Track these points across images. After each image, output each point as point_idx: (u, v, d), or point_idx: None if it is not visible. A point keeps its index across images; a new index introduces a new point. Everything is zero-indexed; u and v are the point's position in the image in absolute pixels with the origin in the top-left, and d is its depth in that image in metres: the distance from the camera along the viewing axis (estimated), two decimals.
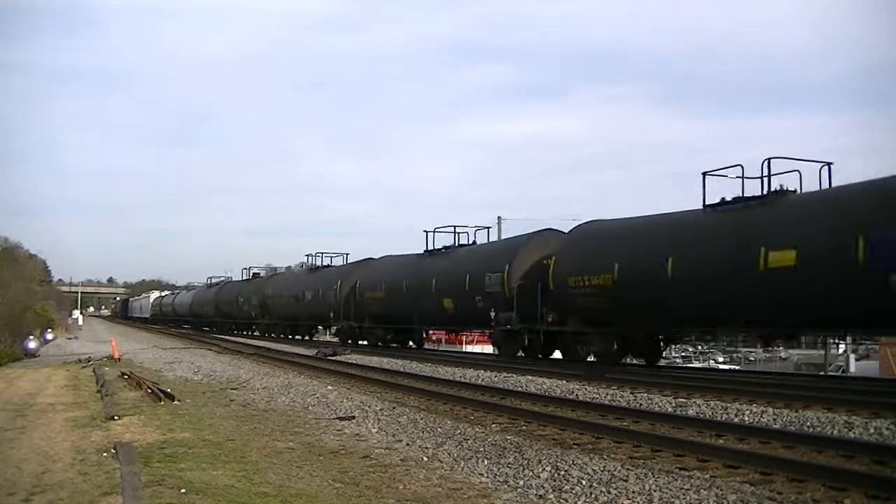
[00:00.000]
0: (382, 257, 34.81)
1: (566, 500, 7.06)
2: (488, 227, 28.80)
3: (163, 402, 14.37)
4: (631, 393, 14.19)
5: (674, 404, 12.57)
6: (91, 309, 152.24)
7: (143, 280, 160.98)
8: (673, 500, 6.83)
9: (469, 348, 38.35)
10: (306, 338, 42.34)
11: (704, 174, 17.99)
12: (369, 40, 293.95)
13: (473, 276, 25.17)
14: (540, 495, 7.26)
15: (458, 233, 28.89)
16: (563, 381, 16.27)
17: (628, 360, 22.02)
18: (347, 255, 40.15)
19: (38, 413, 13.73)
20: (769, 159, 16.70)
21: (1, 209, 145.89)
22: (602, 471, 7.93)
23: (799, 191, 16.68)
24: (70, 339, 53.18)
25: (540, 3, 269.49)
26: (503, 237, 33.64)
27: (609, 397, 13.86)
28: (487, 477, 8.02)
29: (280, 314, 44.63)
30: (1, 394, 17.81)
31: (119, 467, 8.19)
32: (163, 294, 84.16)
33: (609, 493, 7.14)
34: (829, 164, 16.49)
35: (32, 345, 36.70)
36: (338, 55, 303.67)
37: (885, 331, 15.80)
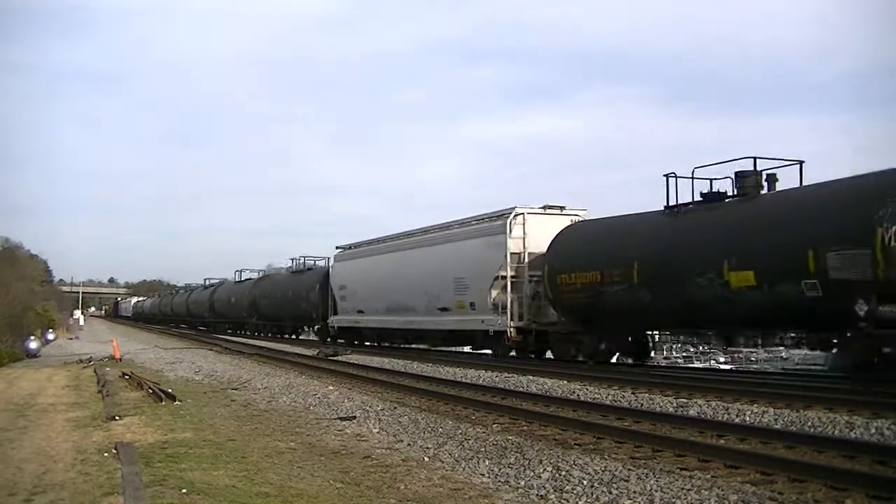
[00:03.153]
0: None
1: (567, 501, 7.06)
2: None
3: (164, 403, 14.37)
4: (632, 393, 14.18)
5: (675, 404, 12.56)
6: (93, 309, 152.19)
7: (145, 280, 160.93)
8: (674, 500, 6.83)
9: (469, 348, 38.25)
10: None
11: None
12: (369, 41, 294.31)
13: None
14: (541, 495, 7.26)
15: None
16: (565, 382, 16.24)
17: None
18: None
19: (39, 413, 13.74)
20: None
21: (1, 209, 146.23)
22: (603, 471, 7.93)
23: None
24: (71, 339, 53.23)
25: (540, 4, 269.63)
26: None
27: (610, 398, 13.85)
28: (489, 477, 8.01)
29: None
30: (2, 394, 17.83)
31: (120, 467, 8.19)
32: (140, 299, 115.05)
33: (610, 493, 7.14)
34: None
35: (33, 345, 36.75)
36: (338, 55, 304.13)
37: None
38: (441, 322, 25.92)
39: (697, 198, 17.53)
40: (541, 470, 8.14)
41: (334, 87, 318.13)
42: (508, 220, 22.65)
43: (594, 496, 7.09)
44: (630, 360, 21.26)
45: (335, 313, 33.57)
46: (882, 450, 8.44)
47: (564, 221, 22.57)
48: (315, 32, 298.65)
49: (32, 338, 38.62)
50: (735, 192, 16.89)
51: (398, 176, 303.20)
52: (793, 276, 14.58)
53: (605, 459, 8.58)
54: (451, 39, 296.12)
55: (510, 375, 17.88)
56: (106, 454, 9.17)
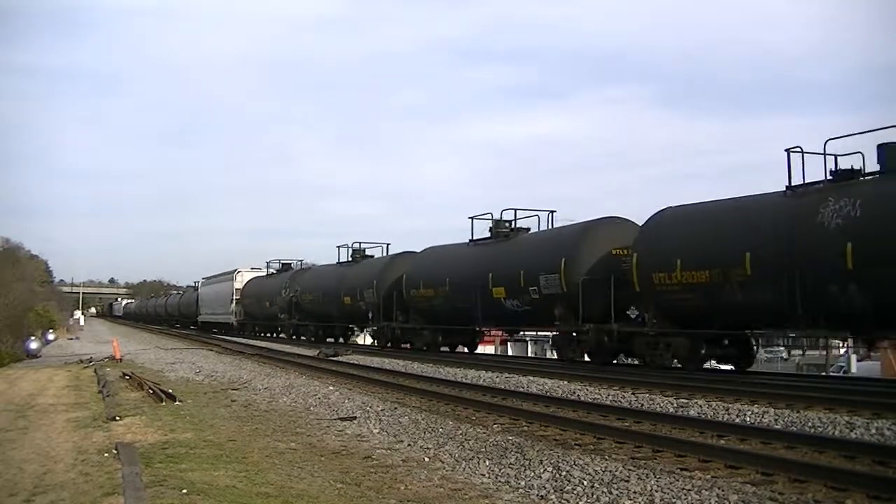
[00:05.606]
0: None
1: (568, 501, 7.06)
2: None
3: (164, 403, 14.38)
4: (632, 393, 14.18)
5: (675, 405, 12.56)
6: (93, 310, 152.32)
7: (145, 280, 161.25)
8: (674, 500, 6.84)
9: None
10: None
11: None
12: (369, 41, 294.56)
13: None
14: (541, 496, 7.26)
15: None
16: (565, 382, 16.25)
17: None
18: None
19: (39, 414, 13.75)
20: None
21: (1, 209, 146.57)
22: (604, 471, 7.93)
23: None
24: (71, 339, 53.22)
25: (540, 4, 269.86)
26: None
27: (610, 398, 13.85)
28: (489, 477, 8.02)
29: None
30: (3, 394, 17.85)
31: (120, 468, 8.20)
32: (128, 301, 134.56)
33: (611, 493, 7.14)
34: None
35: (34, 345, 36.74)
36: (338, 56, 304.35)
37: None
38: (221, 317, 54.89)
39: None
40: (541, 470, 8.15)
41: (334, 87, 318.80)
42: (235, 273, 52.17)
43: (594, 496, 7.09)
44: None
45: (200, 314, 62.76)
46: (882, 450, 8.44)
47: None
48: (315, 32, 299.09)
49: (33, 338, 38.61)
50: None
51: (398, 176, 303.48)
52: None
53: (606, 460, 8.59)
54: (451, 40, 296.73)
55: (510, 376, 17.89)
56: (106, 454, 9.18)
